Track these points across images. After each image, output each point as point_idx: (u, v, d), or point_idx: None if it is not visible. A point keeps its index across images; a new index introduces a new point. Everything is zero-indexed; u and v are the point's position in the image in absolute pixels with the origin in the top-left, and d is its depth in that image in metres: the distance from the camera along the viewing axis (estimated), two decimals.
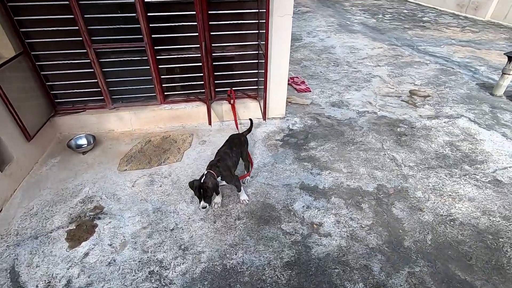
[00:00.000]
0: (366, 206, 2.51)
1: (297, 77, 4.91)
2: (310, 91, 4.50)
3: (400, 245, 2.19)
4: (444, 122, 3.70)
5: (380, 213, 2.44)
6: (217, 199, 2.51)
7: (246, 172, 2.79)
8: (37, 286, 1.92)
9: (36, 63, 3.03)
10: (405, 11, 9.93)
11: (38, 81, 3.08)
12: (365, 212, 2.46)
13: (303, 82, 4.74)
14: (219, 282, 1.95)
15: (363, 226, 2.34)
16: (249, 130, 2.91)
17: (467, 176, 2.84)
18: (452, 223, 2.36)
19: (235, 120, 3.44)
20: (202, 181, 2.09)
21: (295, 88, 4.56)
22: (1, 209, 2.45)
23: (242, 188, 2.52)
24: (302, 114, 3.88)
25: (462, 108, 4.03)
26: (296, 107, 4.06)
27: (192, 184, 2.14)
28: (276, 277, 1.98)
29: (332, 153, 3.14)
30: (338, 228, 2.32)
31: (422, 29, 7.78)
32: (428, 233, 2.27)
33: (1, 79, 2.51)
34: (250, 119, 3.06)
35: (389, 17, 9.10)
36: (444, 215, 2.42)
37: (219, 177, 2.21)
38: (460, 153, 3.15)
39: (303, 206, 2.51)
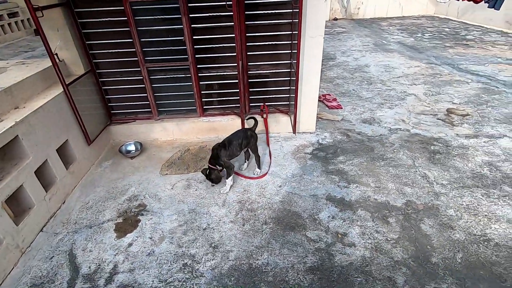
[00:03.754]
0: (393, 220, 2.52)
1: (329, 95, 5.04)
2: (342, 108, 4.59)
3: (427, 261, 2.16)
4: (484, 142, 3.55)
5: (407, 228, 2.43)
6: (227, 186, 2.93)
7: (257, 167, 3.15)
8: (89, 267, 2.22)
9: (99, 79, 3.56)
10: (447, 29, 9.65)
11: (99, 94, 3.60)
12: (391, 226, 2.46)
13: (334, 99, 4.85)
14: (245, 279, 2.09)
15: (389, 239, 2.34)
16: (255, 125, 3.20)
17: (507, 197, 2.70)
18: (486, 243, 2.27)
19: (267, 133, 3.66)
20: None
21: (326, 105, 4.68)
22: (64, 201, 2.87)
23: (230, 178, 2.89)
24: (332, 130, 3.98)
25: (506, 128, 3.83)
26: (327, 122, 4.17)
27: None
28: (299, 279, 2.07)
29: (361, 168, 3.19)
30: (363, 239, 2.35)
31: (465, 48, 7.51)
32: (458, 251, 2.22)
33: (72, 91, 3.01)
34: (254, 118, 3.24)
35: (429, 35, 8.92)
36: (478, 235, 2.34)
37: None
38: (500, 174, 3.00)
39: (328, 216, 2.59)
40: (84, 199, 2.92)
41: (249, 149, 3.14)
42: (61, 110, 2.94)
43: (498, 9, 5.65)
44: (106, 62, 3.50)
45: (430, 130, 3.86)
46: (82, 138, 3.24)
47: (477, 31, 9.20)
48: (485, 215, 2.53)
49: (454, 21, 10.92)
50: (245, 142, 2.99)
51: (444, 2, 11.31)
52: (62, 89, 2.93)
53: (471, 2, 6.06)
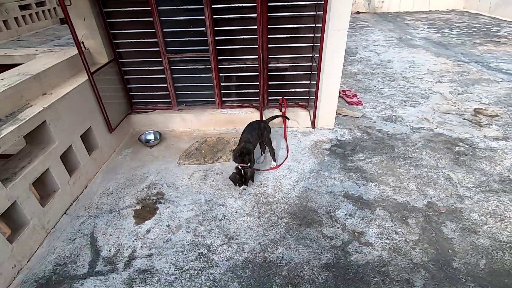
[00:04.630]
0: (413, 221, 2.45)
1: (349, 90, 4.92)
2: (362, 105, 4.47)
3: (448, 265, 2.09)
4: None
5: (428, 230, 2.36)
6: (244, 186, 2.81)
7: (272, 160, 3.15)
8: (109, 251, 2.30)
9: (122, 69, 3.63)
10: (477, 25, 9.16)
11: (122, 83, 3.67)
12: (411, 227, 2.40)
13: (355, 95, 4.73)
14: (260, 271, 2.10)
15: (408, 240, 2.28)
16: (272, 118, 3.34)
17: None
18: None
19: (284, 127, 3.62)
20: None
21: (346, 101, 4.58)
22: (87, 186, 2.97)
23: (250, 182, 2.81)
24: (351, 126, 3.89)
25: None
26: (346, 119, 4.08)
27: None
28: (313, 275, 2.06)
29: (380, 166, 3.11)
30: (381, 239, 2.30)
31: (496, 45, 7.11)
32: (482, 257, 2.13)
33: (96, 80, 3.08)
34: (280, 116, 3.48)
35: (457, 31, 8.50)
36: (504, 242, 2.24)
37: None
38: None
39: (345, 214, 2.55)
40: (105, 185, 3.01)
41: (263, 141, 3.14)
42: (85, 98, 3.02)
43: None
44: (128, 51, 3.55)
45: (455, 131, 3.70)
46: (104, 126, 3.32)
47: (510, 27, 8.68)
48: None
49: (486, 16, 10.35)
50: (260, 133, 3.04)
51: None
52: (87, 77, 3.00)
53: None
